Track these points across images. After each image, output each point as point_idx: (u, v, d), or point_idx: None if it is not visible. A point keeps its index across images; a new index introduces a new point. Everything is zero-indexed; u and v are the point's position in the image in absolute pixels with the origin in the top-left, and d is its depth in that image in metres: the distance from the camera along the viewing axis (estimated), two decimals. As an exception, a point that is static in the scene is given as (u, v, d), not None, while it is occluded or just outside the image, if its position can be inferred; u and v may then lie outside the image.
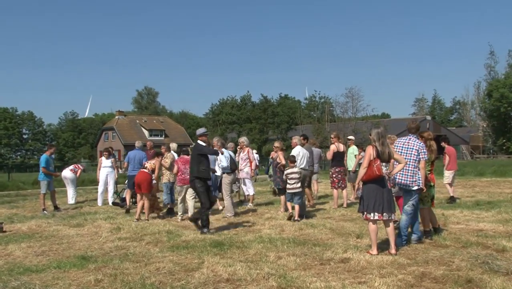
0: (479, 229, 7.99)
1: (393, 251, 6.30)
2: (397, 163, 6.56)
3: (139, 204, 10.35)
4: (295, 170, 9.79)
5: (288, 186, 9.77)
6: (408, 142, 6.93)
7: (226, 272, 5.56)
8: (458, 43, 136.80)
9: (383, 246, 6.56)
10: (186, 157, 10.50)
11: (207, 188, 8.61)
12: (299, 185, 9.70)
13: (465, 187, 16.59)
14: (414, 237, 6.94)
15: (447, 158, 12.49)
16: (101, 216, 10.71)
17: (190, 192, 10.24)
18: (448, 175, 12.35)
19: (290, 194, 9.77)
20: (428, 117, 65.68)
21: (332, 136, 12.01)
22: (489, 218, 9.12)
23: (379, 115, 74.67)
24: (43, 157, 12.60)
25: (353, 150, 12.78)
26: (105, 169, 13.71)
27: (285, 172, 9.92)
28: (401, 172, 6.78)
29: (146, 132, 68.37)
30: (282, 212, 10.52)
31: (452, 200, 11.95)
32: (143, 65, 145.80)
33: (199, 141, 8.77)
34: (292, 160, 9.96)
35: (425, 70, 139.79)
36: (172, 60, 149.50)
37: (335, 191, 11.46)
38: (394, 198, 7.08)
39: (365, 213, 6.39)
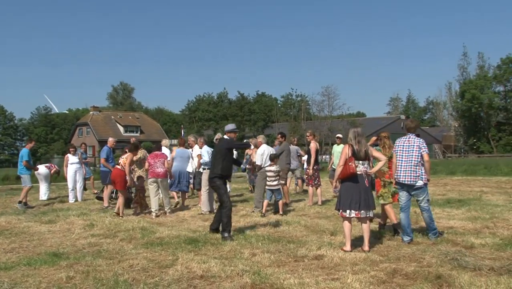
0: (450, 226, 8.17)
1: (366, 248, 6.40)
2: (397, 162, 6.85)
3: (119, 200, 10.24)
4: (273, 168, 10.02)
5: (267, 182, 10.02)
6: (408, 141, 7.05)
7: (200, 269, 5.55)
8: (432, 44, 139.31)
9: (356, 242, 6.65)
10: (157, 152, 10.48)
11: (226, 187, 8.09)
12: (276, 182, 9.98)
13: (437, 185, 16.92)
14: (407, 239, 6.93)
15: None
16: (74, 213, 10.54)
17: (165, 187, 10.27)
18: None
19: (271, 191, 10.03)
20: (402, 117, 66.77)
21: (308, 134, 12.04)
22: (459, 216, 9.34)
23: (355, 114, 75.52)
24: (25, 151, 12.47)
25: (341, 148, 12.96)
26: (73, 166, 13.48)
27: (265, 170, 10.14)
28: (404, 170, 6.94)
29: (121, 129, 67.52)
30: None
31: None
32: (119, 61, 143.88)
33: (226, 137, 8.23)
34: (271, 158, 10.15)
35: (400, 70, 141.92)
36: (148, 56, 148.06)
37: (310, 188, 11.54)
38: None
39: (341, 210, 6.51)
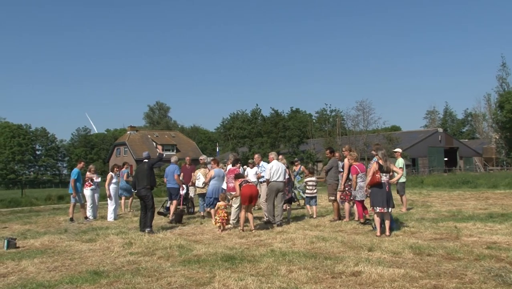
0: (493, 242, 7.89)
1: (387, 232, 8.84)
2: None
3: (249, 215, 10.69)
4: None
5: (307, 191, 12.50)
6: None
7: (237, 286, 5.57)
8: (468, 55, 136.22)
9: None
10: (231, 168, 11.69)
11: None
12: (315, 190, 12.45)
13: (478, 199, 16.41)
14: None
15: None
16: (113, 231, 10.76)
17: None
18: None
19: (309, 198, 12.52)
20: (440, 130, 65.23)
21: (344, 150, 11.90)
22: (502, 231, 9.01)
23: (390, 127, 74.32)
24: (75, 171, 13.54)
25: (400, 162, 13.06)
26: (115, 185, 13.82)
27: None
28: None
29: (158, 147, 68.69)
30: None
31: None
32: (155, 81, 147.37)
33: (146, 160, 11.21)
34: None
35: (436, 82, 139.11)
36: (183, 75, 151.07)
37: (346, 204, 11.41)
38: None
39: (373, 207, 9.01)
